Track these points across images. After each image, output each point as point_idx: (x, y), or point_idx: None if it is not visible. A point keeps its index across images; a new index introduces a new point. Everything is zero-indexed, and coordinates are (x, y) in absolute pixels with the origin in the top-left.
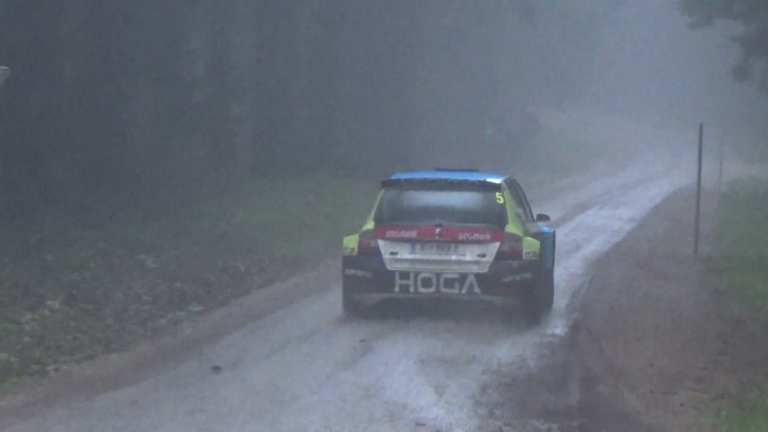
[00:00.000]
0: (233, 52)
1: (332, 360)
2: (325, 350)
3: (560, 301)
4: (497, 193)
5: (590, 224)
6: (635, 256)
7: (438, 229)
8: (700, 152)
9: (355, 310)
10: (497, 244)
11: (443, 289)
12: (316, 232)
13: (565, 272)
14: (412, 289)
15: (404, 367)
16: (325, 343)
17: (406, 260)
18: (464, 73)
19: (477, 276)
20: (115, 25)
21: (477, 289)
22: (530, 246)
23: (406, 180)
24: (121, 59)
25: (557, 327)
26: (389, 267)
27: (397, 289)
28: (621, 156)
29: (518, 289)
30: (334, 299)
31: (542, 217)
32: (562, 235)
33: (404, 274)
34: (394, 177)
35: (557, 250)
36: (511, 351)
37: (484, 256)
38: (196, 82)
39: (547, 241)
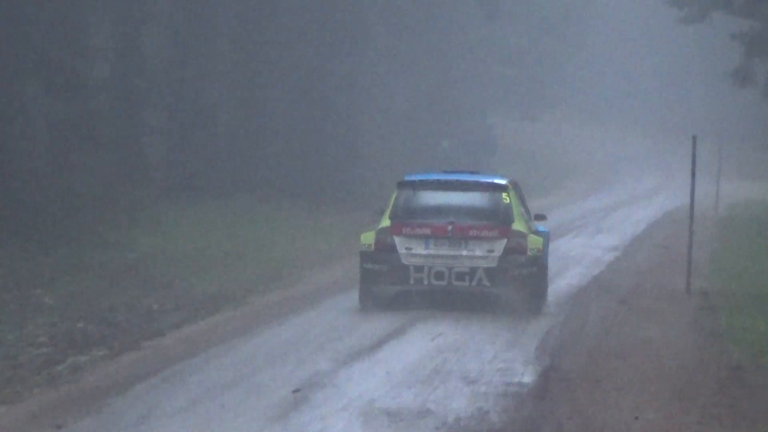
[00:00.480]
0: (144, 50)
1: (260, 414)
2: (251, 402)
3: (529, 342)
4: (504, 194)
5: (564, 254)
6: (617, 291)
7: (450, 227)
8: (693, 169)
9: (371, 303)
10: (505, 240)
11: (455, 282)
12: (243, 264)
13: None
14: (426, 282)
15: (345, 422)
16: (251, 394)
17: (420, 255)
18: (416, 77)
19: (486, 270)
20: (1, 19)
21: (486, 282)
22: (534, 242)
23: (419, 181)
24: (9, 59)
25: (525, 374)
26: (404, 261)
27: (412, 281)
28: (601, 173)
29: (524, 282)
30: (262, 341)
31: (539, 217)
32: None
33: (418, 268)
34: (407, 178)
35: None
36: (471, 402)
37: (492, 251)
38: (101, 85)
39: (546, 241)
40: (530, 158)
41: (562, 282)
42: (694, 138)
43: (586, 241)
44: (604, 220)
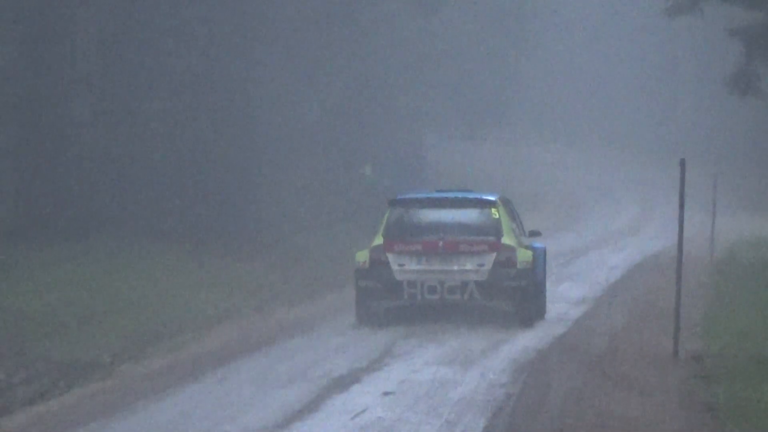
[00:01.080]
0: None
1: None
2: None
3: (474, 422)
4: (493, 209)
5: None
6: (587, 356)
7: (441, 242)
8: (681, 200)
9: (368, 319)
10: (494, 254)
11: (447, 296)
12: (111, 323)
13: (483, 380)
14: (419, 297)
15: None
16: None
17: (413, 271)
18: (330, 85)
19: (477, 283)
20: None
21: (477, 295)
22: (524, 256)
23: (410, 199)
24: None
25: None
26: (398, 277)
27: (405, 296)
28: (568, 206)
29: (514, 295)
30: (136, 423)
31: (534, 233)
32: (476, 324)
33: (411, 283)
34: (399, 197)
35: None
36: None
37: (482, 265)
38: None
39: (539, 255)
40: (479, 186)
41: (516, 344)
42: (683, 162)
43: (549, 291)
44: (570, 265)
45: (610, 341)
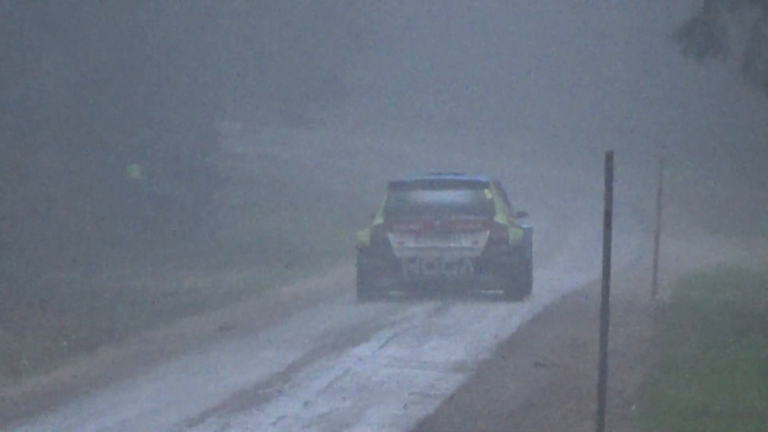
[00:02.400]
0: None
1: None
2: None
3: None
4: (486, 190)
5: (365, 379)
6: None
7: (438, 221)
8: (608, 214)
9: (369, 296)
10: (488, 232)
11: (444, 271)
12: None
13: None
14: (417, 273)
15: None
16: None
17: (411, 248)
18: (77, 60)
19: (472, 259)
20: None
21: (472, 270)
22: (515, 234)
23: (408, 182)
24: None
25: None
26: (397, 255)
27: (405, 273)
28: None
29: (506, 270)
30: None
31: (522, 214)
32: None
33: (410, 260)
34: (398, 180)
35: None
36: None
37: (477, 242)
38: None
39: (527, 234)
40: (307, 197)
41: None
42: (610, 156)
43: (407, 353)
44: (443, 313)
45: (503, 429)
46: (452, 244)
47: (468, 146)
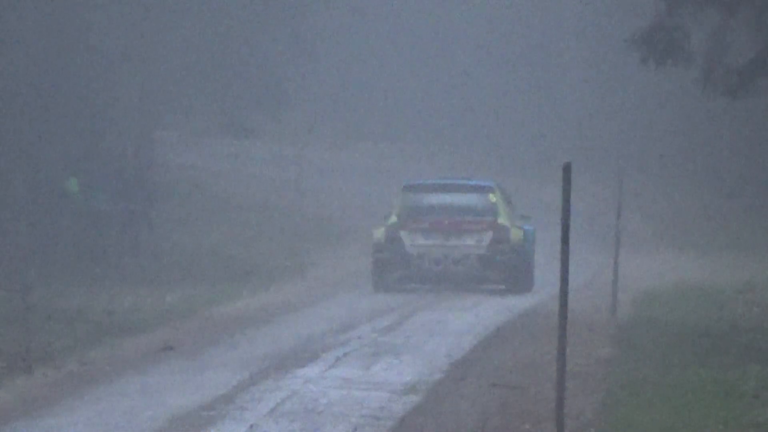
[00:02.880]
0: None
1: None
2: None
3: None
4: (491, 194)
5: (313, 401)
6: None
7: (446, 221)
8: (565, 228)
9: (384, 288)
10: (491, 232)
11: (451, 267)
12: None
13: None
14: (426, 267)
15: None
16: None
17: (422, 245)
18: (5, 72)
19: (476, 256)
20: None
21: (476, 266)
22: (516, 234)
23: (421, 185)
24: None
25: None
26: (409, 251)
27: (415, 267)
28: None
29: (506, 267)
30: None
31: (525, 217)
32: None
33: (421, 256)
34: (411, 183)
35: None
36: None
37: (481, 241)
38: None
39: (528, 235)
40: (250, 209)
41: None
42: (567, 168)
43: (355, 374)
44: (393, 332)
45: None
46: (459, 242)
47: (419, 156)
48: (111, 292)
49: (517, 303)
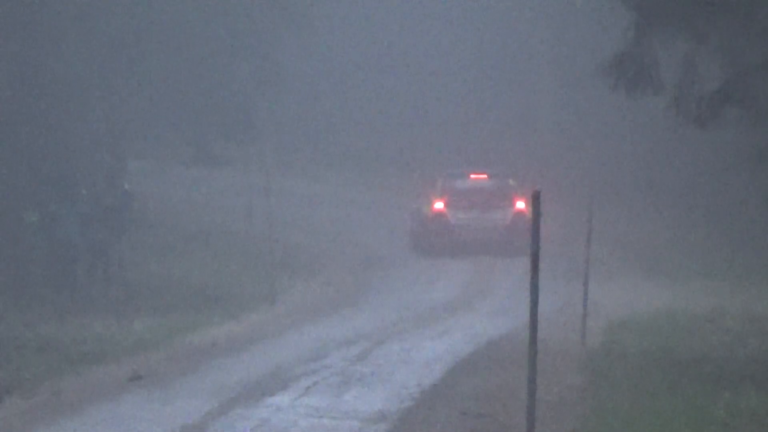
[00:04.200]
0: None
1: None
2: None
3: None
4: (511, 180)
5: (283, 430)
6: None
7: (480, 200)
8: (534, 256)
9: (427, 252)
10: (512, 208)
11: (483, 235)
12: None
13: None
14: (465, 235)
15: None
16: None
17: (462, 218)
18: None
19: (503, 227)
20: None
21: (503, 234)
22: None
23: (458, 173)
24: None
25: None
26: (452, 222)
27: (457, 235)
28: (357, 267)
29: (525, 237)
30: None
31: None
32: None
33: (460, 226)
34: (451, 172)
35: None
36: None
37: (506, 216)
38: None
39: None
40: (218, 239)
41: None
42: (536, 195)
43: (327, 403)
44: (362, 361)
45: None
46: (488, 215)
47: (388, 185)
48: (81, 322)
49: (487, 330)
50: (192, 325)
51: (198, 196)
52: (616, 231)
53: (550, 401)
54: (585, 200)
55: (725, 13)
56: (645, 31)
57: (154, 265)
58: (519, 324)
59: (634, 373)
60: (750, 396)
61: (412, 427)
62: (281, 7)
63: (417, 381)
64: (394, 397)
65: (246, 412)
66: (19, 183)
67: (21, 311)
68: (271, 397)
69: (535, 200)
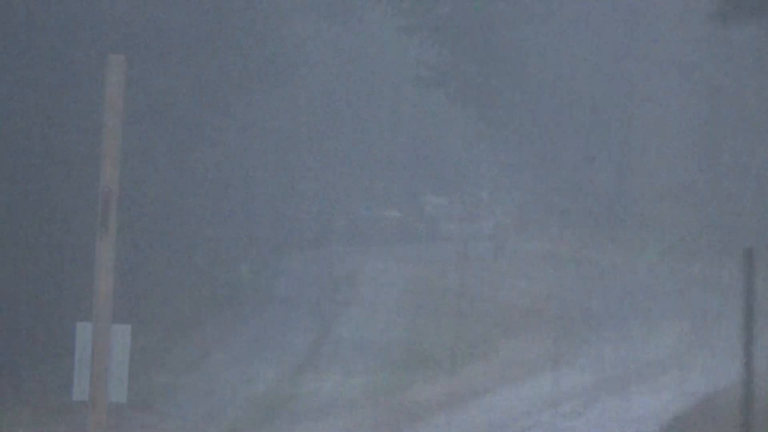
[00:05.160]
0: None
1: None
2: None
3: None
4: None
5: None
6: None
7: None
8: (749, 312)
9: None
10: None
11: None
12: None
13: None
14: None
15: None
16: None
17: None
18: None
19: None
20: None
21: None
22: None
23: None
24: None
25: None
26: None
27: None
28: (566, 321)
29: None
30: None
31: None
32: None
33: None
34: None
35: None
36: None
37: None
38: None
39: None
40: None
41: None
42: (749, 252)
43: None
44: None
45: None
46: None
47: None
48: None
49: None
50: None
51: None
52: None
53: None
54: None
55: None
56: None
57: None
58: (731, 381)
59: None
60: None
61: None
62: None
63: None
64: None
65: None
66: None
67: None
68: None
69: (749, 261)
